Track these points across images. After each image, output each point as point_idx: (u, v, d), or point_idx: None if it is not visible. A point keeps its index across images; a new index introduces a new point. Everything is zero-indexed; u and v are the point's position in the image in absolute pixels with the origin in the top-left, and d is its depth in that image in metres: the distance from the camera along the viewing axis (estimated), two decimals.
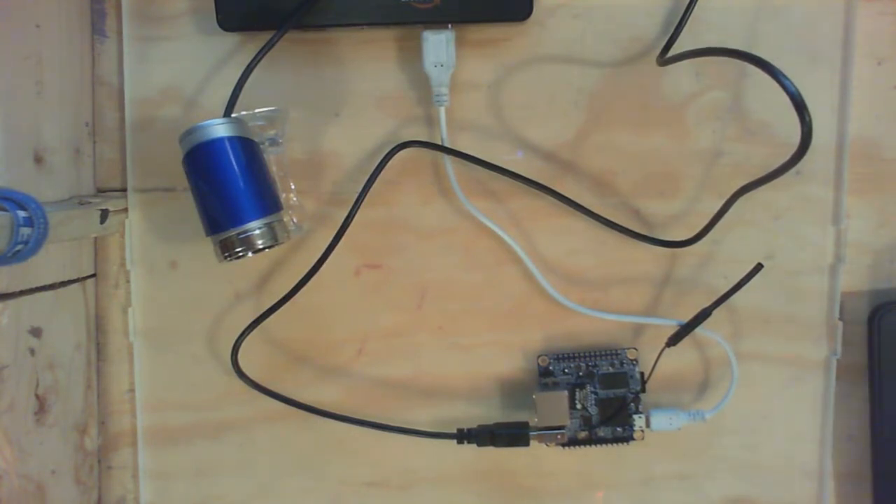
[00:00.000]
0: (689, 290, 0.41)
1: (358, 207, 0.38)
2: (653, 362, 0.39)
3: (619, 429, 0.39)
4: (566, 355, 0.40)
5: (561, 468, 0.42)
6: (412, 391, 0.42)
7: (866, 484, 0.42)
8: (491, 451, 0.40)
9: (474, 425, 0.40)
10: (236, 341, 0.39)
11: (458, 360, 0.42)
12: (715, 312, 0.38)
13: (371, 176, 0.38)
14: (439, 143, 0.40)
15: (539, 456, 0.41)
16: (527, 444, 0.39)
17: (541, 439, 0.39)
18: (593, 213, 0.40)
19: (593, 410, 0.40)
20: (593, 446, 0.40)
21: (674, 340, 0.39)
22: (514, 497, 0.42)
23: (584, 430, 0.39)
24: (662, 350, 0.39)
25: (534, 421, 0.39)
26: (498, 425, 0.39)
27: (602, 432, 0.39)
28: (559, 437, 0.39)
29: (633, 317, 0.41)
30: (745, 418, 0.42)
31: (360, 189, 0.38)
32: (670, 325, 0.39)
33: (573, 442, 0.39)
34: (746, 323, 0.41)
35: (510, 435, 0.39)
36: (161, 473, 0.42)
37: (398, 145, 0.39)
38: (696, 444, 0.42)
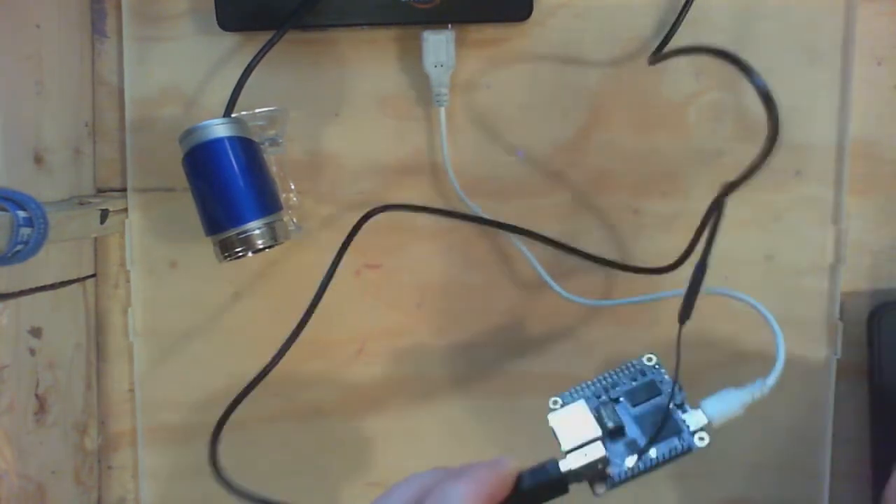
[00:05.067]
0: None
1: (339, 261, 0.38)
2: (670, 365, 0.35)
3: (673, 439, 0.30)
4: (578, 388, 0.32)
5: None
6: (412, 391, 0.42)
7: (866, 484, 0.42)
8: (492, 451, 0.40)
9: (475, 425, 0.39)
10: (214, 433, 0.36)
11: (457, 361, 0.42)
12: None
13: (345, 241, 0.38)
14: (439, 143, 0.40)
15: (540, 457, 0.41)
16: (565, 491, 0.29)
17: (579, 477, 0.29)
18: (569, 247, 0.40)
19: (635, 432, 0.31)
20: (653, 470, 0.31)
21: (685, 314, 0.32)
22: None
23: (632, 455, 0.30)
24: (680, 331, 0.32)
25: (560, 452, 0.30)
26: (522, 476, 0.29)
27: (656, 453, 0.30)
28: (607, 471, 0.29)
29: (636, 298, 0.39)
30: (745, 418, 0.42)
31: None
32: (676, 308, 0.32)
33: (625, 476, 0.30)
34: (746, 323, 0.41)
35: (544, 486, 0.29)
36: (161, 473, 0.42)
37: (370, 211, 0.38)
38: None
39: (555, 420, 0.31)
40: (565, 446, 0.29)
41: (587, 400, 0.31)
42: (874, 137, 0.41)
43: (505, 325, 0.42)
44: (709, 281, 0.41)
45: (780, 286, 0.41)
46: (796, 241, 0.41)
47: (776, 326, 0.33)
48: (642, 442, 0.30)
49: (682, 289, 0.33)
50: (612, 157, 0.41)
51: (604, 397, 0.32)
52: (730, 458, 0.42)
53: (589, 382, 0.32)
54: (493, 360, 0.42)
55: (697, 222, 0.40)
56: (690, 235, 0.39)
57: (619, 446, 0.30)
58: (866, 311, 0.41)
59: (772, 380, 0.33)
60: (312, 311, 0.37)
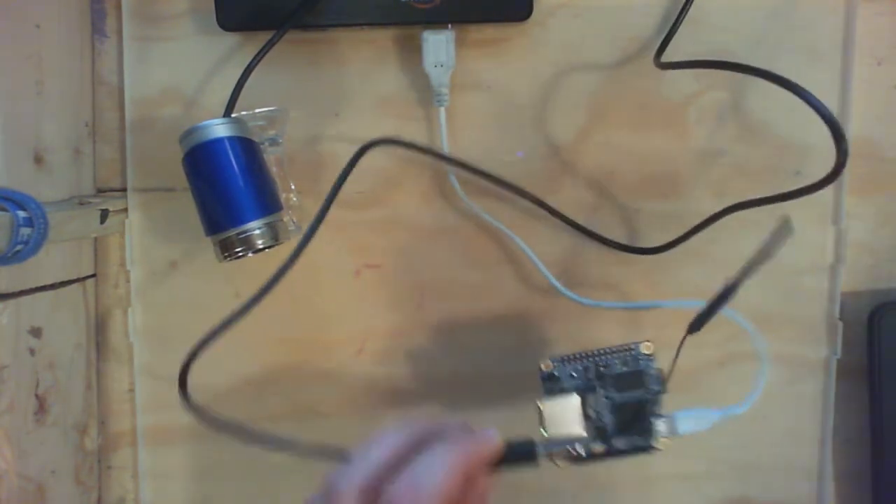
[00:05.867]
0: (690, 290, 0.41)
1: (329, 205, 0.35)
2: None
3: (636, 437, 0.33)
4: (572, 357, 0.34)
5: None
6: (412, 391, 0.42)
7: (866, 484, 0.42)
8: None
9: (474, 425, 0.39)
10: (186, 362, 0.34)
11: (457, 361, 0.42)
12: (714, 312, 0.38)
13: (341, 175, 0.36)
14: (440, 143, 0.40)
15: None
16: (536, 465, 0.32)
17: (550, 456, 0.32)
18: (574, 222, 0.40)
19: (608, 419, 0.33)
20: (612, 459, 0.33)
21: (696, 325, 0.33)
22: (515, 496, 0.42)
23: (599, 443, 0.33)
24: (684, 339, 0.33)
25: (542, 435, 0.33)
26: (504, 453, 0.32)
27: (620, 444, 0.33)
28: (572, 451, 0.32)
29: (639, 303, 0.40)
30: (744, 418, 0.41)
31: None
32: (688, 311, 0.33)
33: (589, 457, 0.33)
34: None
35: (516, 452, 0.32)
36: (161, 473, 0.42)
37: (365, 145, 0.36)
38: (696, 444, 0.42)
39: (546, 408, 0.33)
40: (549, 434, 0.32)
41: (580, 382, 0.34)
42: (874, 137, 0.41)
43: (505, 326, 0.42)
44: (708, 280, 0.41)
45: (780, 286, 0.41)
46: (796, 241, 0.41)
47: (764, 352, 0.34)
48: (612, 432, 0.33)
49: (687, 300, 0.34)
50: (612, 157, 0.41)
51: (592, 375, 0.34)
52: (730, 458, 0.42)
53: (585, 353, 0.34)
54: (493, 360, 0.42)
55: (697, 222, 0.40)
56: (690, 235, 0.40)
57: (592, 431, 0.33)
58: (866, 311, 0.41)
59: (744, 408, 0.34)
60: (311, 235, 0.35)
